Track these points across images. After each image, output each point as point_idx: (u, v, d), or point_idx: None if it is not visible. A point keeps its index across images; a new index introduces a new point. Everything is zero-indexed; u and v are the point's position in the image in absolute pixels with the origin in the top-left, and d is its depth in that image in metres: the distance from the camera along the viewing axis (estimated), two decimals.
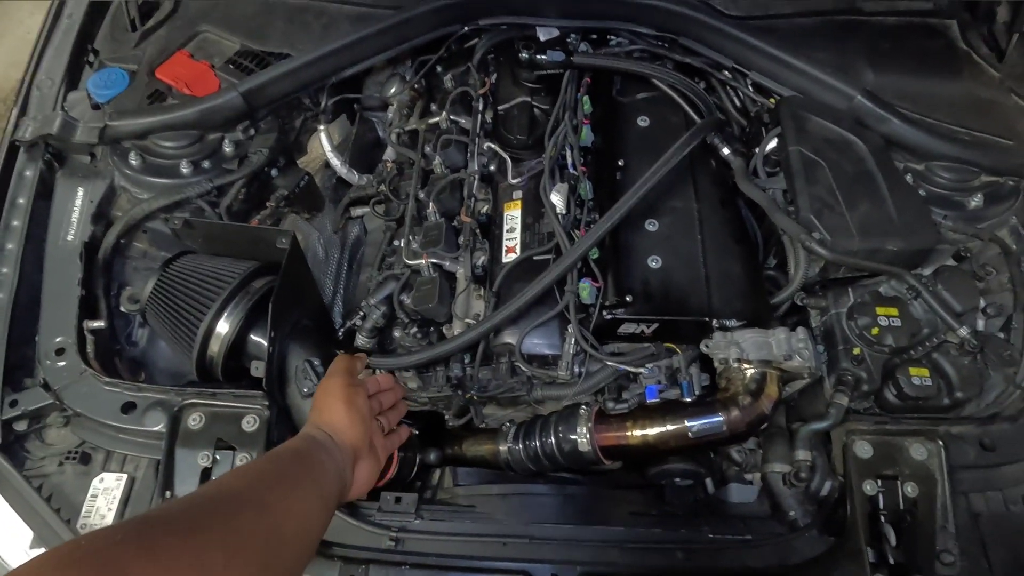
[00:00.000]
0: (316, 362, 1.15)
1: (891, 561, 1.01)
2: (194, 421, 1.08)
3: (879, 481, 1.05)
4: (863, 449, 1.08)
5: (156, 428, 1.07)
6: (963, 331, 1.10)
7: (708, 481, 1.24)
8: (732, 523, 1.15)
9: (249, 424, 1.09)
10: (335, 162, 1.42)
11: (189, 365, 1.13)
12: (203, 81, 1.31)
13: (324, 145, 1.41)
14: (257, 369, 1.10)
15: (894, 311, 1.11)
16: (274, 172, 1.37)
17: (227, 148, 1.29)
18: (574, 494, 1.20)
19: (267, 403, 1.09)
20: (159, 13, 1.43)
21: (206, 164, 1.28)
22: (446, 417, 1.29)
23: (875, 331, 1.10)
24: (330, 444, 0.85)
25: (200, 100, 1.26)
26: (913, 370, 1.10)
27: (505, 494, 1.21)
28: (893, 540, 1.02)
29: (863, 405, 1.12)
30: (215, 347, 1.13)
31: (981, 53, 1.30)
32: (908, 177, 1.19)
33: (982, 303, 1.16)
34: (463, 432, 1.30)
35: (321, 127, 1.40)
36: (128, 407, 1.09)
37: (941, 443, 1.08)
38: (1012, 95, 1.26)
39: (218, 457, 1.06)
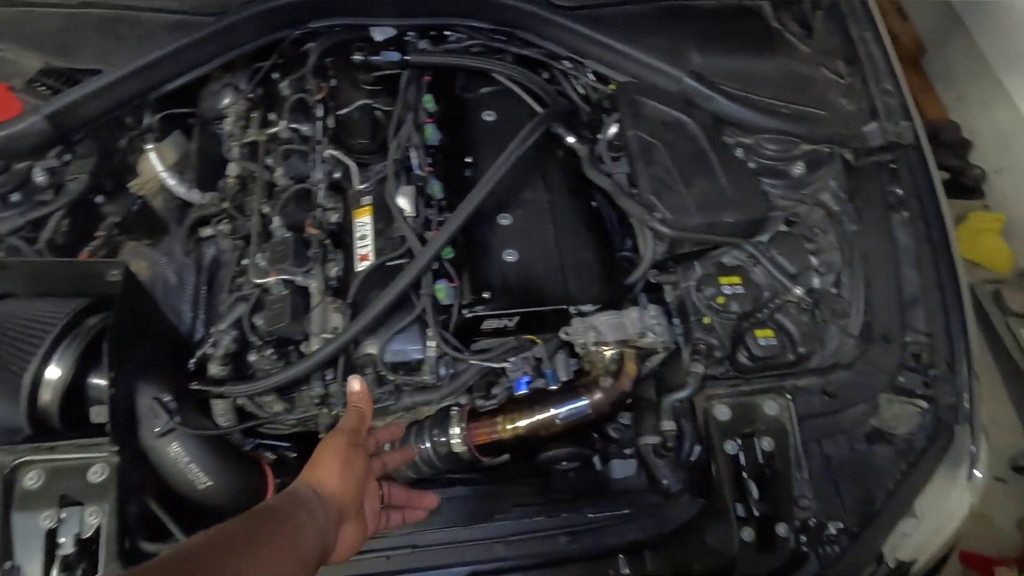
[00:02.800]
0: (167, 398, 1.07)
1: (756, 513, 1.08)
2: (31, 480, 0.98)
3: (739, 440, 1.12)
4: (722, 412, 1.14)
5: None
6: (798, 291, 1.18)
7: (596, 460, 1.27)
8: (613, 500, 1.18)
9: (96, 474, 1.00)
10: (170, 182, 1.32)
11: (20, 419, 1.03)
12: (2, 105, 1.17)
13: (155, 165, 1.30)
14: (98, 414, 1.02)
15: (737, 279, 1.18)
16: (100, 199, 1.25)
17: (39, 178, 1.17)
18: (458, 496, 1.19)
19: (115, 449, 1.00)
20: None
21: (15, 197, 1.15)
22: (320, 435, 1.24)
23: (721, 300, 1.16)
24: (314, 503, 0.77)
25: None
26: (759, 332, 1.17)
27: None
28: (756, 494, 1.09)
29: (719, 370, 1.18)
30: (47, 395, 1.02)
31: (792, 31, 1.39)
32: (739, 151, 1.26)
33: (814, 262, 1.26)
34: None
35: (149, 146, 1.29)
36: None
37: (789, 397, 1.16)
38: (822, 68, 1.36)
39: (63, 516, 0.97)
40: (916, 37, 2.98)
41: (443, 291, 1.05)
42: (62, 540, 0.96)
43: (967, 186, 2.67)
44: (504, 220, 1.16)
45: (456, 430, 1.08)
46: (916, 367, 1.20)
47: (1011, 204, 2.65)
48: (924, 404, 1.16)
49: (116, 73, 1.16)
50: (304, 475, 0.83)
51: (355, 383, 0.91)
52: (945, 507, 1.09)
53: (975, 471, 1.10)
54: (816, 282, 1.25)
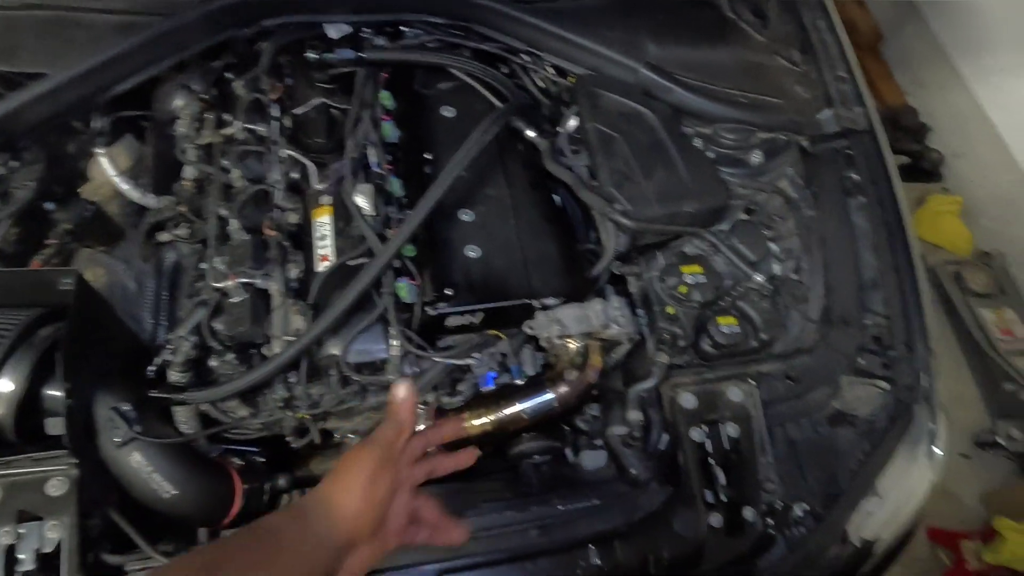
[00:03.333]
0: (126, 407, 1.05)
1: (723, 499, 1.09)
2: None
3: (705, 427, 1.13)
4: (687, 400, 1.15)
5: None
6: (759, 278, 1.20)
7: (568, 452, 1.27)
8: (583, 491, 1.19)
9: (55, 488, 0.98)
10: (124, 187, 1.29)
11: None
12: None
13: (107, 170, 1.27)
14: (54, 426, 1.00)
15: (699, 268, 1.19)
16: (51, 206, 1.22)
17: None
18: (428, 494, 1.18)
19: (74, 461, 0.98)
20: None
21: None
22: (288, 439, 1.23)
23: (683, 289, 1.17)
24: (322, 523, 0.73)
25: None
26: (722, 320, 1.19)
27: None
28: (723, 479, 1.11)
29: (684, 359, 1.19)
30: (1, 409, 1.00)
31: (746, 20, 1.41)
32: (698, 141, 1.27)
33: (774, 249, 1.27)
34: (310, 451, 1.25)
35: (100, 151, 1.26)
36: None
37: (753, 383, 1.17)
38: (777, 57, 1.38)
39: (22, 531, 0.94)
40: (874, 25, 3.03)
41: (405, 289, 1.05)
42: (22, 556, 0.93)
43: (926, 170, 2.73)
44: (465, 216, 1.16)
45: (422, 428, 1.08)
46: (875, 349, 1.22)
47: (969, 186, 2.71)
48: (885, 385, 1.19)
49: (62, 76, 1.13)
50: (324, 488, 0.78)
51: (401, 389, 0.84)
52: (906, 485, 1.11)
53: (935, 448, 1.13)
54: (776, 268, 1.27)
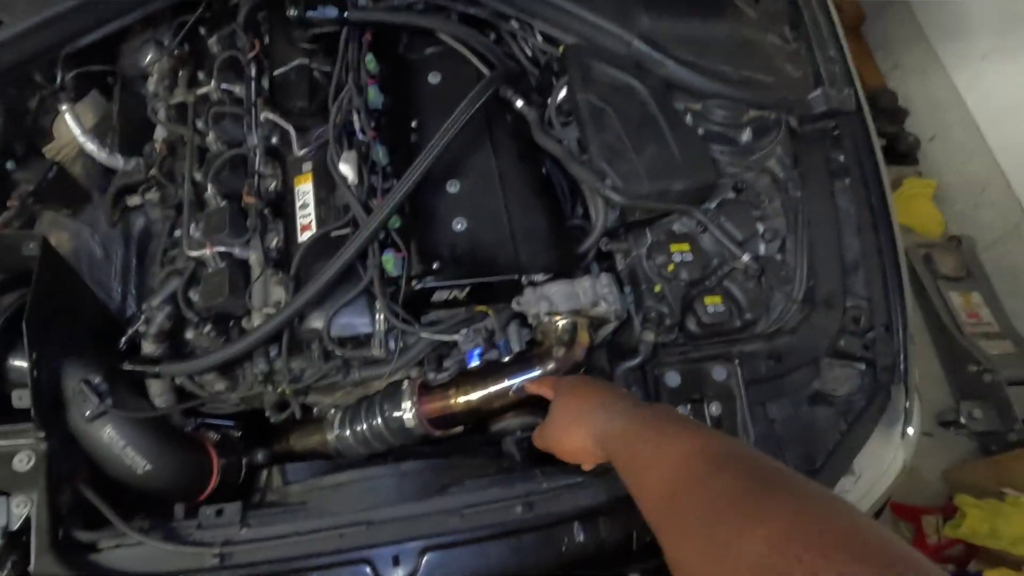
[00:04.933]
0: (96, 379, 1.01)
1: None
2: None
3: (689, 405, 1.13)
4: (672, 379, 1.15)
5: None
6: (745, 258, 1.19)
7: None
8: (567, 467, 1.18)
9: (23, 462, 0.95)
10: (90, 147, 1.22)
11: None
12: None
13: (72, 128, 1.20)
14: (20, 399, 0.96)
15: (686, 246, 1.17)
16: (11, 165, 1.15)
17: None
18: (410, 471, 1.17)
19: (42, 435, 0.94)
20: None
21: None
22: (267, 413, 1.20)
23: (671, 267, 1.16)
24: None
25: None
26: (708, 299, 1.18)
27: (339, 483, 1.16)
28: None
29: (670, 337, 1.19)
30: None
31: None
32: (688, 117, 1.25)
33: (761, 229, 1.27)
34: (289, 426, 1.22)
35: (64, 107, 1.19)
36: None
37: (737, 362, 1.17)
38: (768, 34, 1.36)
39: None
40: (857, 4, 3.02)
41: (391, 262, 1.02)
42: None
43: (902, 153, 2.76)
44: (452, 187, 1.12)
45: (407, 404, 1.06)
46: (856, 330, 1.24)
47: (942, 171, 2.75)
48: (863, 366, 1.21)
49: (20, 26, 1.05)
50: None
51: None
52: (881, 464, 1.14)
53: (908, 429, 1.15)
54: (762, 248, 1.26)
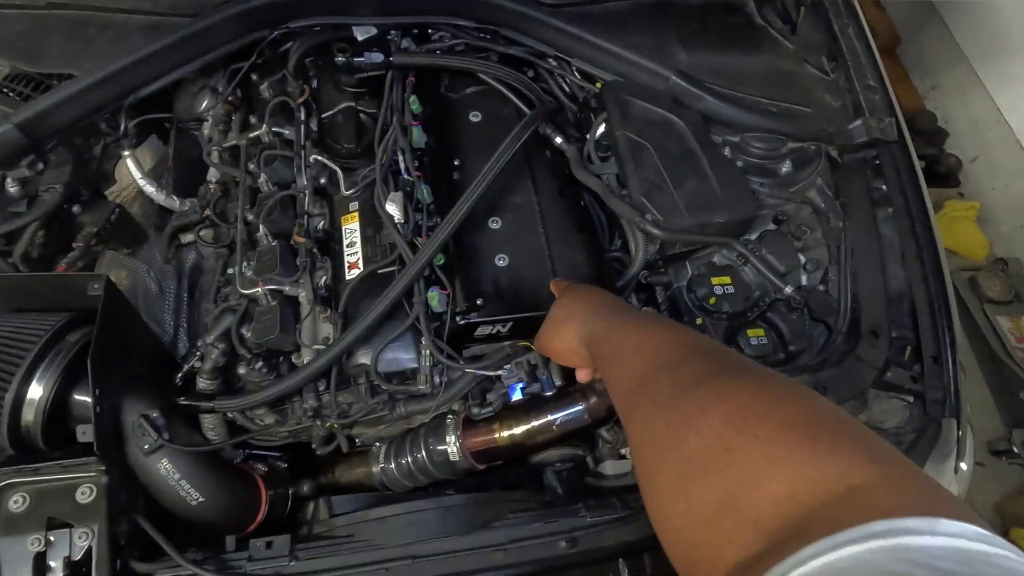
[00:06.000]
0: (154, 414, 1.05)
1: None
2: (16, 503, 0.95)
3: None
4: None
5: None
6: (788, 289, 1.19)
7: (589, 460, 1.27)
8: (609, 500, 1.18)
9: (84, 495, 0.98)
10: (149, 189, 1.28)
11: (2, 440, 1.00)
12: None
13: (133, 172, 1.27)
14: (84, 433, 0.99)
15: (727, 279, 1.18)
16: (76, 209, 1.21)
17: (11, 188, 1.12)
18: (454, 504, 1.18)
19: (103, 468, 0.98)
20: None
21: None
22: (313, 446, 1.22)
23: (712, 300, 1.16)
24: None
25: None
26: (751, 331, 1.18)
27: (384, 516, 1.17)
28: None
29: None
30: (30, 415, 1.00)
31: (776, 27, 1.39)
32: (726, 150, 1.26)
33: (803, 260, 1.26)
34: (334, 458, 1.25)
35: (126, 152, 1.25)
36: None
37: None
38: (806, 64, 1.37)
39: (52, 538, 0.93)
40: (892, 27, 3.01)
41: (436, 298, 1.04)
42: (52, 564, 0.93)
43: (943, 175, 2.72)
44: (494, 224, 1.15)
45: (451, 438, 1.07)
46: (903, 362, 1.21)
47: (985, 192, 2.70)
48: (911, 398, 1.18)
49: (90, 78, 1.12)
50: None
51: None
52: None
53: (961, 464, 1.12)
54: (804, 280, 1.26)
